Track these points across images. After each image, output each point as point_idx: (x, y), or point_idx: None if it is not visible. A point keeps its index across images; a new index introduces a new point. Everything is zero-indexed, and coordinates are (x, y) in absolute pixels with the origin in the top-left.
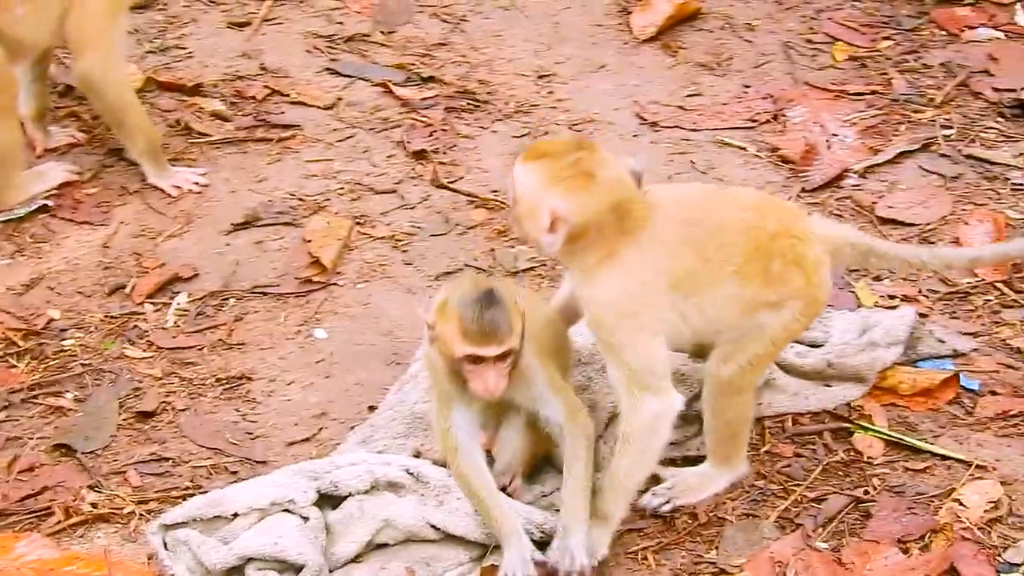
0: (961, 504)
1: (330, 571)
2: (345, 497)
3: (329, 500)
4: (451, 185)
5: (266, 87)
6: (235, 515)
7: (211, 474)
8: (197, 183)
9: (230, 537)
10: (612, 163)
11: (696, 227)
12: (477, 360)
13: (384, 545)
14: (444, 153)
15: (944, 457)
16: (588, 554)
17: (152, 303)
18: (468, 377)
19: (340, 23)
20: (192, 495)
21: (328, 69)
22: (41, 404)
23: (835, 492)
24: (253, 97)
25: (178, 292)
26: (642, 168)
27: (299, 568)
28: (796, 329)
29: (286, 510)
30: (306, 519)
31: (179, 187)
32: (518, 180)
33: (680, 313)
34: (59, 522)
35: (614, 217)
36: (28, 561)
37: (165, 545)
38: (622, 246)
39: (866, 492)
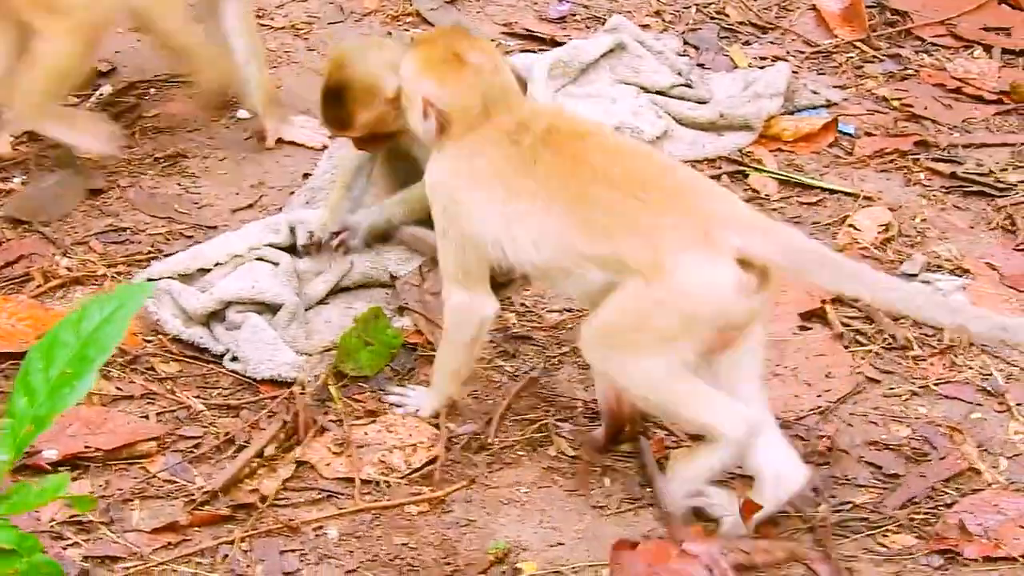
0: (855, 228)
1: None
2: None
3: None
4: None
5: None
6: (216, 264)
7: (168, 240)
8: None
9: (207, 286)
10: (491, 55)
11: (552, 148)
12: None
13: (346, 289)
14: None
15: (832, 191)
16: (418, 408)
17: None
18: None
19: None
20: (155, 258)
21: None
22: None
23: None
24: None
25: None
26: (528, 76)
27: (275, 308)
28: (616, 321)
29: (259, 258)
30: (277, 264)
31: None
32: (402, 71)
33: (504, 235)
34: (39, 286)
35: (481, 107)
36: (21, 318)
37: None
38: (474, 135)
39: None
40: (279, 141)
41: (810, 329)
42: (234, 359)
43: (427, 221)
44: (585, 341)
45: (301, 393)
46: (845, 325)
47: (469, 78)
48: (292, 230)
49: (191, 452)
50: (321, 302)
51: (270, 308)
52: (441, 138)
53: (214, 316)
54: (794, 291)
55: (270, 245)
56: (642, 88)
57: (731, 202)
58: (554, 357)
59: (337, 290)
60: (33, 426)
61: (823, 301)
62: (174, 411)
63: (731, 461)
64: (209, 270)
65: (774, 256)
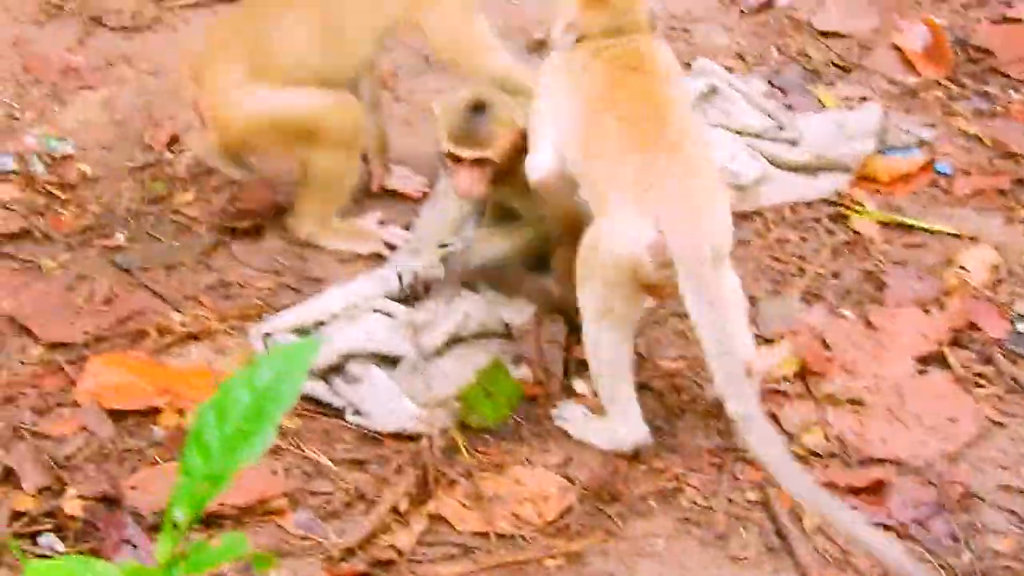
0: (963, 269)
1: None
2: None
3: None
4: None
5: None
6: (332, 317)
7: (276, 293)
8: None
9: (325, 340)
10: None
11: (604, 65)
12: (457, 160)
13: (460, 339)
14: None
15: (935, 232)
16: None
17: (171, 151)
18: (449, 174)
19: None
20: (267, 312)
21: None
22: (96, 245)
23: (847, 267)
24: None
25: None
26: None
27: (393, 360)
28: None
29: (375, 310)
30: (393, 316)
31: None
32: None
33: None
34: (155, 342)
35: (605, 32)
36: (140, 375)
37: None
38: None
39: (875, 266)
40: (381, 189)
41: (928, 373)
42: (356, 413)
43: (531, 262)
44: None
45: (428, 446)
46: (964, 367)
47: (605, 11)
48: (402, 279)
49: (323, 508)
50: (437, 353)
51: (388, 360)
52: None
53: (333, 370)
54: (909, 335)
55: (384, 296)
56: (735, 131)
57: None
58: (674, 405)
59: (453, 341)
60: (210, 484)
61: (940, 344)
62: (301, 466)
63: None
64: (325, 323)
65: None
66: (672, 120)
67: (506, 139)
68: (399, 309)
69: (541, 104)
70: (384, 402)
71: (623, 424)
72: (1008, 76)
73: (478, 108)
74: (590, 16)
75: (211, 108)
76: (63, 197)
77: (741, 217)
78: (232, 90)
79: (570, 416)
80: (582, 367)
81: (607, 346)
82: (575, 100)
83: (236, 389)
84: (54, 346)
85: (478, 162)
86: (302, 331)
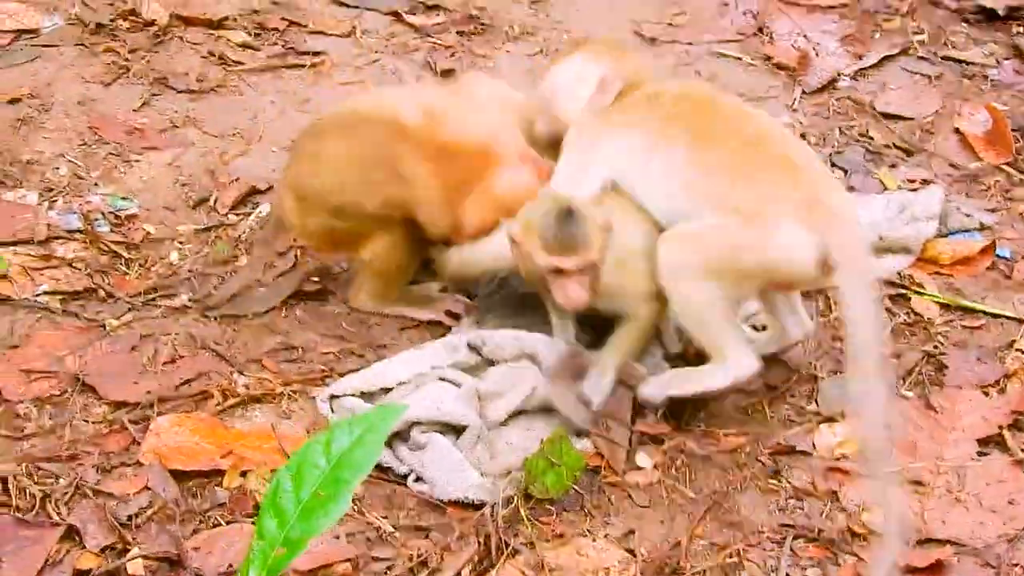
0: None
1: None
2: (488, 365)
3: (472, 369)
4: None
5: (283, 19)
6: (399, 384)
7: (339, 358)
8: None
9: (403, 407)
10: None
11: (681, 104)
12: (559, 272)
13: (523, 411)
14: (468, 71)
15: (996, 315)
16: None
17: (236, 214)
18: (552, 289)
19: None
20: (329, 377)
21: (335, 1)
22: (161, 306)
23: (908, 348)
24: (275, 29)
25: (258, 203)
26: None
27: (458, 429)
28: None
29: (441, 378)
30: (460, 385)
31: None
32: (576, 59)
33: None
34: (218, 404)
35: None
36: (204, 436)
37: (332, 411)
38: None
39: (935, 347)
40: None
41: (989, 455)
42: (419, 479)
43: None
44: (667, 242)
45: (491, 515)
46: None
47: (630, 60)
48: (472, 348)
49: (385, 574)
50: (502, 423)
51: (452, 428)
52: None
53: (396, 436)
54: (970, 416)
55: (451, 366)
56: None
57: (835, 188)
58: (735, 479)
59: (518, 413)
60: (286, 549)
61: (1000, 427)
62: (364, 532)
63: (717, 389)
64: (391, 389)
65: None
66: (786, 140)
67: (601, 238)
68: (466, 378)
69: (592, 160)
70: (447, 469)
71: (741, 358)
72: None
73: (569, 214)
74: (624, 66)
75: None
76: (127, 256)
77: (802, 295)
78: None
79: (663, 381)
80: (646, 440)
81: (721, 303)
82: (658, 144)
83: (313, 455)
84: (118, 405)
85: (583, 269)
86: (368, 395)
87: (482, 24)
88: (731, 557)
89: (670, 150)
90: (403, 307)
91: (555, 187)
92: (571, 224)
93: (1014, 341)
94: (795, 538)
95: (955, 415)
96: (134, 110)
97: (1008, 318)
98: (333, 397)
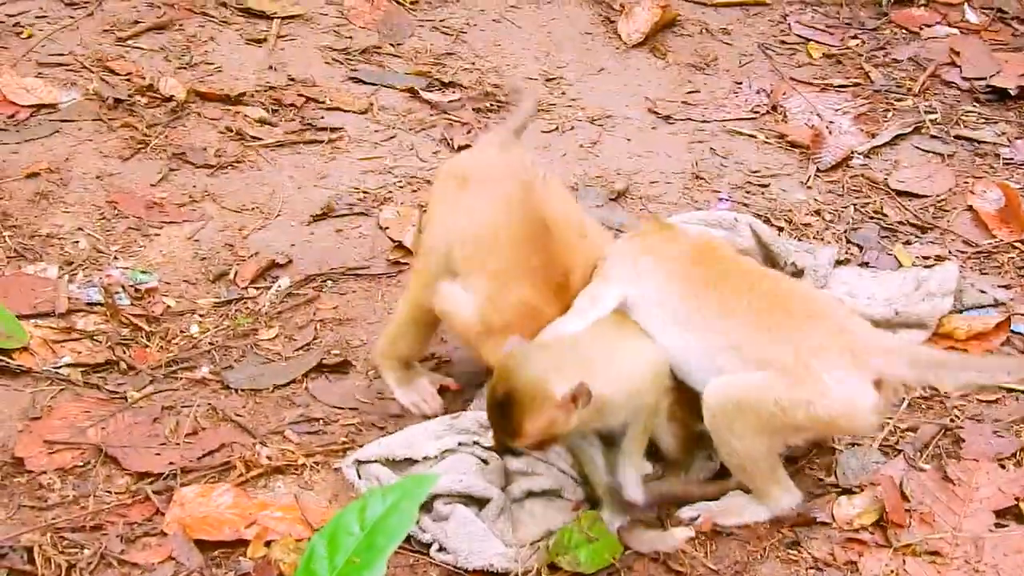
0: None
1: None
2: None
3: None
4: None
5: (300, 95)
6: (424, 458)
7: (360, 430)
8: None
9: (437, 476)
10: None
11: (701, 265)
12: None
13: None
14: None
15: (1011, 390)
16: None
17: (256, 288)
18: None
19: (350, 37)
20: (350, 448)
21: (351, 78)
22: (182, 378)
23: (924, 422)
24: (292, 104)
25: (277, 277)
26: None
27: (482, 501)
28: None
29: (472, 452)
30: (486, 462)
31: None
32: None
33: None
34: (241, 475)
35: None
36: (228, 507)
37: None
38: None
39: (952, 420)
40: None
41: (1007, 526)
42: (442, 549)
43: None
44: (713, 395)
45: None
46: None
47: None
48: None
49: None
50: (526, 496)
51: (475, 500)
52: None
53: (420, 506)
54: (987, 487)
55: (476, 443)
56: None
57: (863, 325)
58: (756, 550)
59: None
60: None
61: (1017, 498)
62: None
63: (756, 522)
64: (417, 461)
65: (905, 374)
66: (795, 287)
67: (538, 423)
68: (494, 457)
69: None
70: (470, 539)
71: (783, 495)
72: None
73: (499, 404)
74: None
75: None
76: (148, 329)
77: None
78: None
79: (707, 508)
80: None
81: (767, 453)
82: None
83: (347, 521)
84: (141, 476)
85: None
86: (392, 463)
87: (498, 101)
88: None
89: (701, 304)
90: (392, 378)
91: (574, 306)
92: (504, 412)
93: None
94: None
95: (972, 487)
96: (152, 184)
97: None
98: (359, 463)
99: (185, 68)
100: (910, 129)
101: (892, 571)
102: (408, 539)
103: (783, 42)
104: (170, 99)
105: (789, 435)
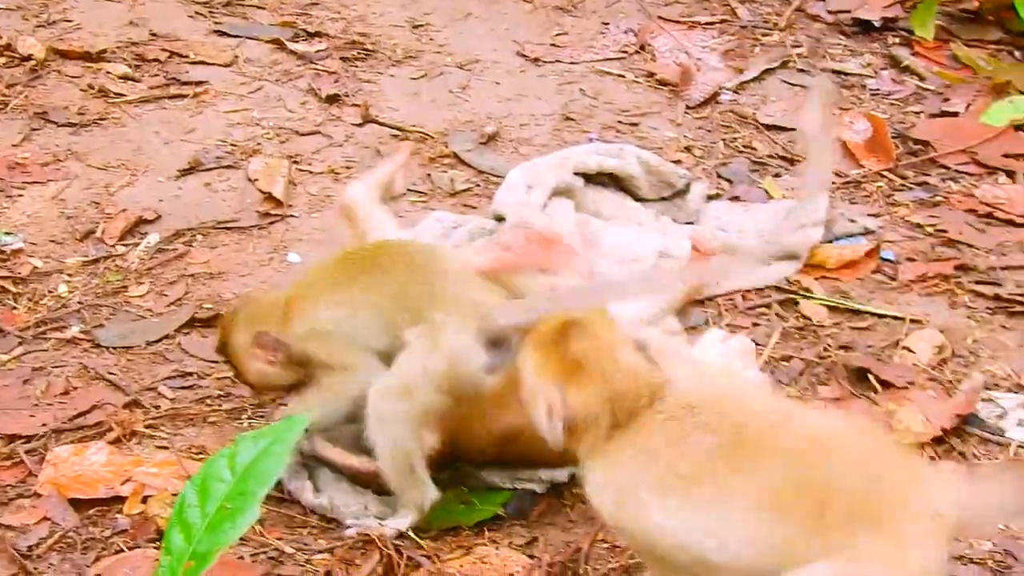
0: (910, 351)
1: None
2: None
3: None
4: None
5: (164, 50)
6: None
7: (234, 383)
8: None
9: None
10: (611, 346)
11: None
12: None
13: None
14: (353, 96)
15: (881, 316)
16: None
17: (124, 245)
18: None
19: None
20: (225, 401)
21: (216, 31)
22: (52, 339)
23: (797, 351)
24: (156, 59)
25: (146, 233)
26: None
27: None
28: None
29: None
30: None
31: None
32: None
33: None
34: (115, 432)
35: (614, 412)
36: (102, 465)
37: None
38: (625, 435)
39: (825, 349)
40: None
41: None
42: (317, 491)
43: None
44: None
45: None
46: None
47: (593, 384)
48: None
49: None
50: None
51: None
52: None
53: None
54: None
55: None
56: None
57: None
58: None
59: None
60: (194, 562)
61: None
62: (266, 552)
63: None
64: None
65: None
66: (833, 435)
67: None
68: None
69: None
70: (347, 491)
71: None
72: (947, 167)
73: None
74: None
75: None
76: (15, 291)
77: (695, 303)
78: None
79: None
80: None
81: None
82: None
83: (218, 468)
84: (12, 438)
85: None
86: None
87: (365, 49)
88: (632, 558)
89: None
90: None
91: None
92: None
93: (899, 339)
94: None
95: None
96: (14, 145)
97: (894, 317)
98: None
99: (43, 27)
100: (777, 64)
101: None
102: (279, 487)
103: None
104: (29, 58)
105: None
